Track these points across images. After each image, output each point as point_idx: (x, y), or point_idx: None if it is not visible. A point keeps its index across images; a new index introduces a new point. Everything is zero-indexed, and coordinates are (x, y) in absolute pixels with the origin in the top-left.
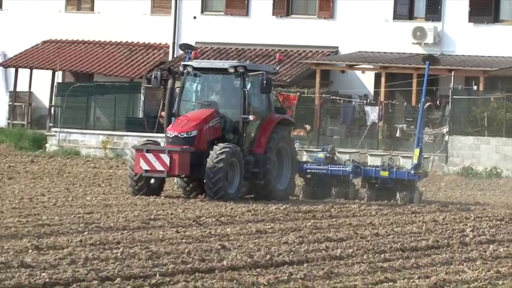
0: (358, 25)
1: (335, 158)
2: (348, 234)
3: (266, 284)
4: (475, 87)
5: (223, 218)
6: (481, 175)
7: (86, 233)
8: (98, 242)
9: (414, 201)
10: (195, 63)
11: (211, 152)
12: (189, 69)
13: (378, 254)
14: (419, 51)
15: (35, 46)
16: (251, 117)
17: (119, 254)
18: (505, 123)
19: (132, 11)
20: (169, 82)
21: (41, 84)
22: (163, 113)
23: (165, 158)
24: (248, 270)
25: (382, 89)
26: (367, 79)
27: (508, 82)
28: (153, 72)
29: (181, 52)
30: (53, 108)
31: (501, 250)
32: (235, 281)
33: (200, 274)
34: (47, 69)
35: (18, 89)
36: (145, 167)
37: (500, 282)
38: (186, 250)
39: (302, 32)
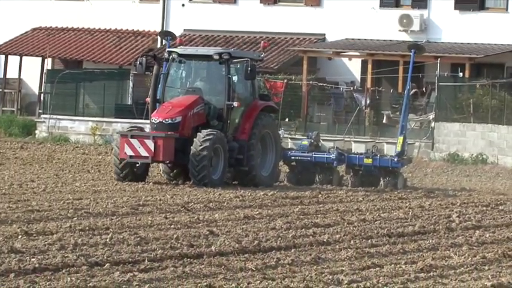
0: (345, 12)
1: (320, 145)
2: (335, 220)
3: (254, 269)
4: (460, 74)
5: (211, 204)
6: (467, 161)
7: (75, 218)
8: (87, 228)
9: (398, 187)
10: (180, 50)
11: (195, 139)
12: (174, 55)
13: (364, 240)
14: (406, 39)
15: (24, 33)
16: (235, 104)
17: (108, 240)
18: (490, 109)
19: None
20: (154, 68)
21: (31, 71)
22: (148, 99)
23: (150, 143)
24: (236, 256)
25: (369, 76)
26: (354, 66)
27: (493, 69)
28: (138, 59)
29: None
30: (42, 95)
31: (487, 236)
32: (223, 266)
33: (188, 259)
34: (37, 56)
35: (8, 76)
36: (130, 152)
37: (486, 268)
38: (175, 236)
39: (289, 19)
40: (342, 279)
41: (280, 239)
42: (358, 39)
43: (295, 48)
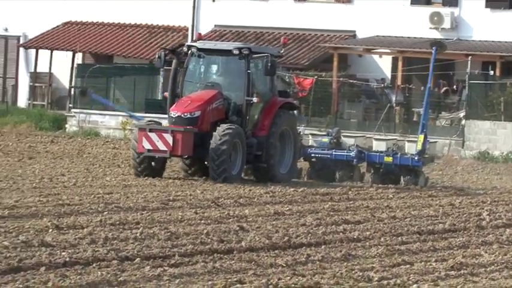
0: (376, 9)
1: (340, 141)
2: (365, 217)
3: (284, 265)
4: (491, 72)
5: (241, 199)
6: (497, 159)
7: (105, 213)
8: (117, 222)
9: (419, 186)
10: (199, 44)
11: (214, 133)
12: (193, 50)
13: (395, 237)
14: (437, 36)
15: (55, 27)
16: (255, 99)
17: (138, 234)
18: None
19: None
20: (173, 63)
21: (61, 66)
22: (166, 94)
23: (168, 137)
24: (266, 252)
25: (399, 73)
26: (384, 63)
27: None
28: (157, 53)
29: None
30: (73, 89)
31: None
32: (253, 262)
33: (219, 255)
34: (67, 50)
35: (38, 70)
36: (148, 146)
37: None
38: (205, 231)
39: (320, 16)
40: (372, 276)
41: (310, 235)
42: (389, 36)
43: (326, 44)
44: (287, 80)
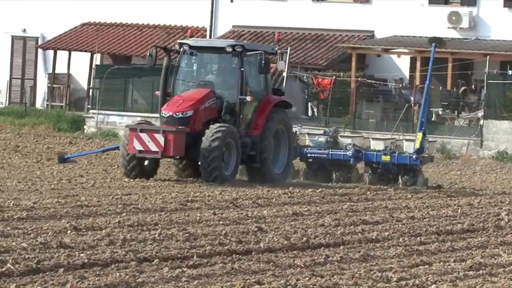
0: (394, 9)
1: (338, 141)
2: (384, 217)
3: (303, 266)
4: (510, 72)
5: (260, 200)
6: None
7: (124, 214)
8: (135, 223)
9: (418, 185)
10: (192, 42)
11: (206, 131)
12: (185, 47)
13: (413, 237)
14: (455, 36)
15: (73, 28)
16: (248, 98)
17: (156, 235)
18: None
19: None
20: (165, 60)
21: (79, 67)
22: (157, 92)
23: (160, 138)
24: (285, 252)
25: (418, 73)
26: (402, 63)
27: None
28: (148, 50)
29: (219, 35)
30: (91, 90)
31: None
32: (272, 263)
33: (237, 256)
34: (86, 51)
35: (56, 71)
36: (139, 147)
37: None
38: (223, 232)
39: (338, 16)
40: (391, 277)
41: (328, 235)
42: (407, 36)
43: (344, 45)
44: (305, 81)
